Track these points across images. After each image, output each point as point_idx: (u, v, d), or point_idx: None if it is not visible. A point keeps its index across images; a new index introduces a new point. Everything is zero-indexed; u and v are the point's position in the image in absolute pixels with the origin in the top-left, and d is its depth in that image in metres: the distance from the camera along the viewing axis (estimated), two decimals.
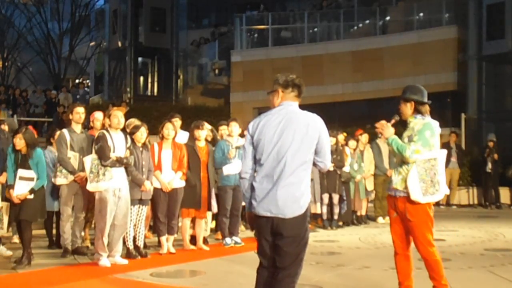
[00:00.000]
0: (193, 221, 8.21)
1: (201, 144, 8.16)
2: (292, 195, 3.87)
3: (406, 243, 4.95)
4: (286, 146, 3.91)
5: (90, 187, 6.91)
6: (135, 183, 7.22)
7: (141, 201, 7.40)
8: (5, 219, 7.39)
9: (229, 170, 8.16)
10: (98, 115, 7.94)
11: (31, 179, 6.77)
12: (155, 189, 7.59)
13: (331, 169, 10.07)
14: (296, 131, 3.92)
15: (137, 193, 7.27)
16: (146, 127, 7.60)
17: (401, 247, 4.95)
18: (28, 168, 6.76)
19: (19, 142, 6.78)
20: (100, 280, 6.20)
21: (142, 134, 7.38)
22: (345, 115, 19.03)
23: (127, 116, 7.46)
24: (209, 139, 8.61)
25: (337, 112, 19.29)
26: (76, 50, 27.06)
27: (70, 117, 7.68)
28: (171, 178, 7.68)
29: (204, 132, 8.21)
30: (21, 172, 6.76)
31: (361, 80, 18.77)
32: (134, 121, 8.21)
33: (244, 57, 20.32)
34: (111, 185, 6.78)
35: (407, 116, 4.97)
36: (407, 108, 4.96)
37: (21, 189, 6.74)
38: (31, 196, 6.74)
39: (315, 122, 3.99)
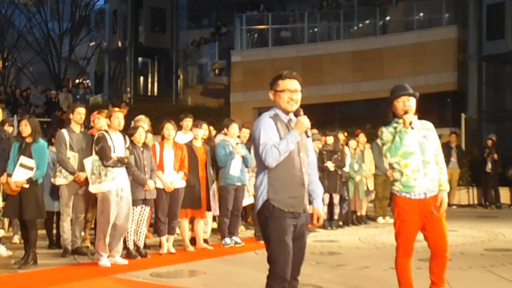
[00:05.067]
0: (191, 222, 8.20)
1: (198, 143, 8.16)
2: (256, 195, 4.20)
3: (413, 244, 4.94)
4: None
5: (92, 188, 6.90)
6: (138, 183, 7.22)
7: (144, 201, 7.38)
8: (6, 219, 7.40)
9: (233, 168, 8.17)
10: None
11: (31, 169, 6.75)
12: (157, 189, 7.59)
13: (332, 169, 10.09)
14: None
15: (141, 193, 7.26)
16: (149, 123, 7.58)
17: (412, 250, 4.90)
18: (30, 156, 6.76)
19: (25, 128, 6.80)
20: (100, 280, 6.20)
21: (140, 135, 7.38)
22: (345, 115, 19.05)
23: (127, 116, 7.44)
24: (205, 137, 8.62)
25: (337, 112, 19.32)
26: (76, 50, 27.05)
27: (71, 116, 7.65)
28: (173, 178, 7.68)
29: (202, 131, 8.21)
30: (22, 159, 6.74)
31: (361, 80, 18.77)
32: (142, 118, 8.23)
33: (244, 57, 20.32)
34: (114, 185, 6.78)
35: (412, 114, 4.86)
36: (414, 106, 4.90)
37: (19, 177, 6.72)
38: (27, 186, 6.72)
39: (254, 125, 4.17)
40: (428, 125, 4.94)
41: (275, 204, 4.03)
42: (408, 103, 4.84)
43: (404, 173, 4.81)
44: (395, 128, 4.87)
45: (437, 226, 4.84)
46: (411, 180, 4.79)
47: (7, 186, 6.82)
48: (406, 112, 4.80)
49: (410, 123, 4.76)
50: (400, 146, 4.77)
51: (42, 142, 6.93)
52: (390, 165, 4.94)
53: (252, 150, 8.35)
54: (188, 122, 8.45)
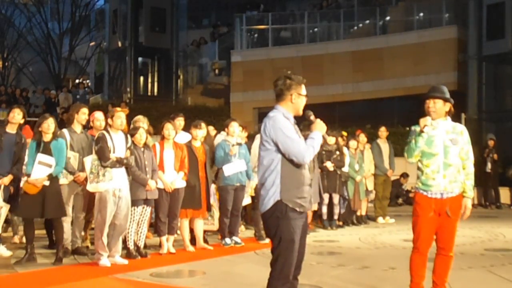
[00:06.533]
0: (191, 221, 8.20)
1: (197, 144, 8.15)
2: (261, 195, 4.18)
3: (430, 243, 4.99)
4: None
5: (90, 187, 6.91)
6: (139, 183, 7.21)
7: (146, 201, 7.37)
8: (2, 219, 7.40)
9: (229, 170, 8.17)
10: (98, 115, 7.93)
11: (49, 166, 6.83)
12: (157, 189, 7.58)
13: (331, 169, 10.09)
14: (259, 137, 4.25)
15: (142, 193, 7.25)
16: (148, 123, 7.61)
17: (426, 247, 4.96)
18: (50, 154, 6.85)
19: (51, 126, 6.94)
20: (100, 280, 6.20)
21: (141, 135, 7.37)
22: (345, 115, 19.06)
23: (127, 116, 7.44)
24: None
25: (337, 112, 19.32)
26: (76, 50, 27.03)
27: (75, 116, 7.66)
28: (174, 179, 7.68)
29: (202, 131, 8.21)
30: (40, 156, 6.83)
31: (361, 80, 18.77)
32: (140, 118, 8.23)
33: (244, 57, 20.32)
34: (111, 185, 6.77)
35: (439, 116, 4.95)
36: (444, 109, 4.98)
37: (39, 174, 6.79)
38: (47, 183, 6.78)
39: (265, 124, 4.15)
40: (459, 128, 5.06)
41: (289, 204, 4.06)
42: (432, 105, 4.95)
43: (424, 172, 4.98)
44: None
45: (448, 226, 4.95)
46: (429, 180, 4.95)
47: (27, 185, 6.85)
48: (428, 115, 4.92)
49: (423, 127, 4.86)
50: (415, 148, 4.94)
51: (60, 140, 7.07)
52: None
53: (252, 150, 8.36)
54: (179, 121, 8.47)
